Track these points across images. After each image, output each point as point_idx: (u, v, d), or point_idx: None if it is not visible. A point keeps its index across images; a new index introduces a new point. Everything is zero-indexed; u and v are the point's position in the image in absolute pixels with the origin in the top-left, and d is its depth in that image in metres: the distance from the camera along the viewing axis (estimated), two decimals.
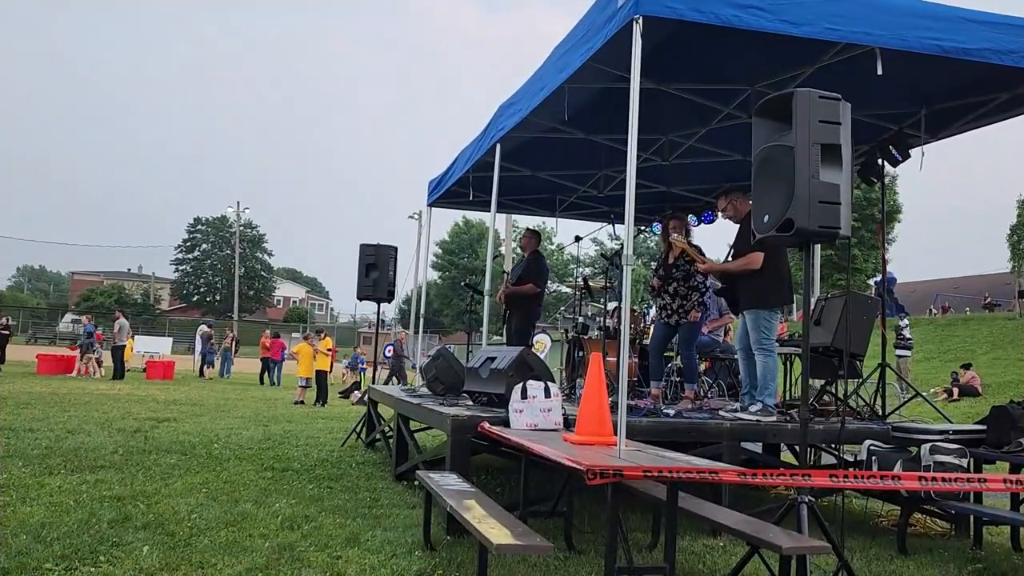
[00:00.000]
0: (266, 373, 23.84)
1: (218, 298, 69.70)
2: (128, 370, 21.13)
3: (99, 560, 4.03)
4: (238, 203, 60.39)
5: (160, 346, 28.93)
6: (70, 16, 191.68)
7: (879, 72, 4.85)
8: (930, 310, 36.09)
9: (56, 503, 5.25)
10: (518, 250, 9.36)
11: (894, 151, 7.09)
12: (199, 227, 70.98)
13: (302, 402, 16.33)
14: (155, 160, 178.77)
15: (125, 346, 21.71)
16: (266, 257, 72.82)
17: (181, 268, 70.59)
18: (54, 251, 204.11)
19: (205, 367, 25.84)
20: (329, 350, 18.16)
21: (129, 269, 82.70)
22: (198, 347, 27.32)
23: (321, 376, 17.28)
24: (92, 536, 4.45)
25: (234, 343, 27.83)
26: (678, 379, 7.55)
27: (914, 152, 7.08)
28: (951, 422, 6.66)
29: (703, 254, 7.06)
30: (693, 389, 7.22)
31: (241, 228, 64.28)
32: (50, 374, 21.01)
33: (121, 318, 22.05)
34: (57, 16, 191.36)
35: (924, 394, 8.52)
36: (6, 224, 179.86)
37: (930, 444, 5.19)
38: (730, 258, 6.48)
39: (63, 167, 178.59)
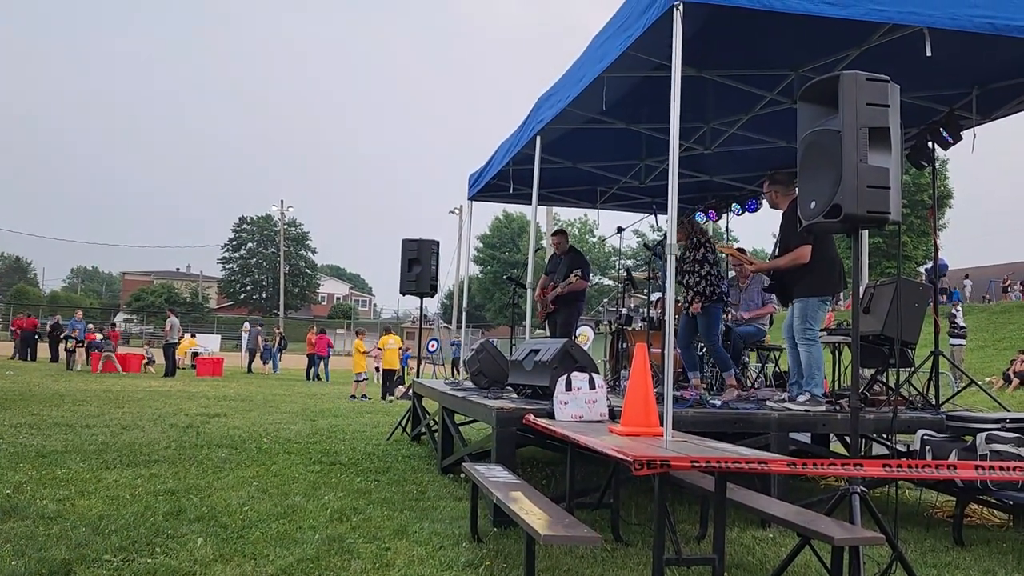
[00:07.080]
0: (312, 368, 24.20)
1: (264, 296, 70.94)
2: (179, 368, 21.67)
3: (155, 551, 4.13)
4: (282, 202, 61.51)
5: (209, 343, 29.59)
6: (109, 16, 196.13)
7: (928, 53, 4.73)
8: (984, 297, 35.12)
9: (113, 496, 5.39)
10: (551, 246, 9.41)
11: (945, 133, 6.92)
12: (244, 226, 72.24)
13: (366, 396, 16.71)
14: (200, 161, 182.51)
15: (176, 344, 22.21)
16: (310, 255, 73.85)
17: (228, 267, 71.93)
18: (106, 252, 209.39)
19: (257, 363, 26.43)
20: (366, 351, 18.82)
21: (178, 268, 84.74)
22: (245, 344, 27.87)
23: (387, 374, 18.19)
24: (148, 528, 4.57)
25: (280, 340, 28.28)
26: (714, 369, 7.47)
27: (965, 134, 6.91)
28: (1007, 411, 6.48)
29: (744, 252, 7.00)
30: (731, 375, 7.14)
31: (285, 227, 65.30)
32: (104, 372, 21.58)
33: (172, 317, 22.56)
34: (99, 15, 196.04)
35: (979, 383, 8.30)
36: (60, 227, 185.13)
37: (986, 433, 5.07)
38: (776, 248, 6.38)
39: (111, 170, 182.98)
